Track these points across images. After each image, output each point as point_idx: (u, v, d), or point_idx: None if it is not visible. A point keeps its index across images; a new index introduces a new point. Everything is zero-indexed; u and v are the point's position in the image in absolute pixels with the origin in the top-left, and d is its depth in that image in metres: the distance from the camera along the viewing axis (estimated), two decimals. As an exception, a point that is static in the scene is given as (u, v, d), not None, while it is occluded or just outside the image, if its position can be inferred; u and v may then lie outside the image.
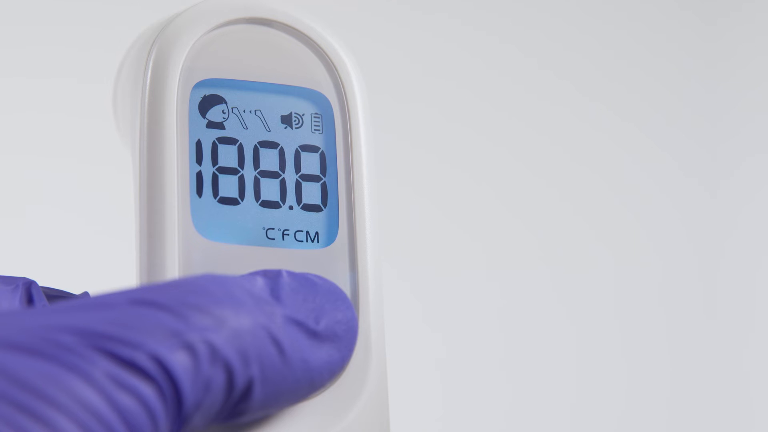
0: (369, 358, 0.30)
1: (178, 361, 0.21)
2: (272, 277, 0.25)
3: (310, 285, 0.26)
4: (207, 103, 0.30)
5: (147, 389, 0.21)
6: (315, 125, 0.31)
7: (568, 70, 1.11)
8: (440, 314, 1.06)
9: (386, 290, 0.31)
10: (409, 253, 1.04)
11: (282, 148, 0.31)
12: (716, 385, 1.13)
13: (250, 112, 0.30)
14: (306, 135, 0.31)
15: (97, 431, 0.20)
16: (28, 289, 0.30)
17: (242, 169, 0.30)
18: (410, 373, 1.00)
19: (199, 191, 0.29)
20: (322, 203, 0.31)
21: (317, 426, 0.28)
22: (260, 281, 0.25)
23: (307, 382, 0.24)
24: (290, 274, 0.25)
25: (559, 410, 1.09)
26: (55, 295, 0.32)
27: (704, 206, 1.14)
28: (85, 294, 0.33)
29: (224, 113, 0.30)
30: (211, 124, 0.30)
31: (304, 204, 0.30)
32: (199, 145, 0.30)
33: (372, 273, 0.30)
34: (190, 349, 0.22)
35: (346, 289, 0.30)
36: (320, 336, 0.25)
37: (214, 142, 0.30)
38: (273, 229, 0.30)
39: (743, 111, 1.12)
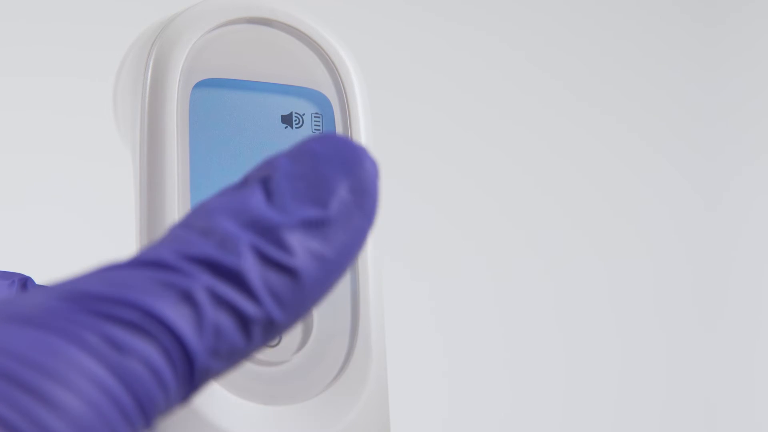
0: (369, 358, 0.30)
1: (178, 313, 0.20)
2: (268, 173, 0.23)
3: (311, 160, 0.23)
4: (207, 103, 0.30)
5: (147, 348, 0.20)
6: (315, 125, 0.31)
7: (566, 73, 1.11)
8: (442, 313, 1.06)
9: (387, 290, 0.31)
10: (409, 253, 1.04)
11: (282, 147, 0.30)
12: (717, 389, 1.13)
13: (251, 112, 0.30)
14: (306, 135, 0.31)
15: (99, 401, 0.19)
16: (24, 285, 0.30)
17: (242, 168, 0.30)
18: (411, 373, 1.00)
19: (199, 191, 0.29)
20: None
21: (317, 426, 0.28)
22: (255, 190, 0.22)
23: (336, 272, 0.22)
24: (287, 158, 0.23)
25: (558, 412, 1.09)
26: None
27: (703, 211, 1.14)
28: None
29: (225, 113, 0.30)
30: (212, 124, 0.30)
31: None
32: (199, 144, 0.30)
33: (372, 273, 0.30)
34: (188, 299, 0.20)
35: (346, 289, 0.30)
36: (335, 220, 0.22)
37: (214, 141, 0.30)
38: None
39: (743, 117, 1.12)
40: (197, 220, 0.22)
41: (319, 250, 0.22)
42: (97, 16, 0.94)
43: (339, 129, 0.31)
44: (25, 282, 0.30)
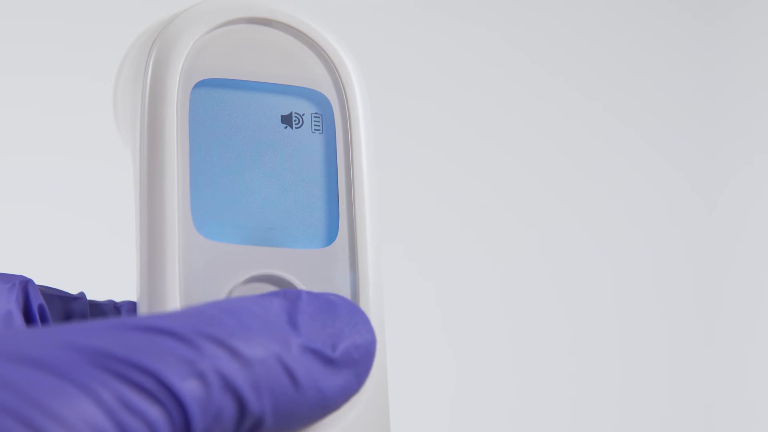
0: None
1: (189, 388, 0.21)
2: (291, 300, 0.25)
3: (330, 308, 0.25)
4: (207, 103, 0.30)
5: (155, 414, 0.21)
6: (315, 125, 0.31)
7: (566, 72, 1.11)
8: (447, 312, 1.06)
9: (392, 290, 0.31)
10: (409, 252, 1.04)
11: (282, 147, 0.30)
12: (717, 387, 1.13)
13: (251, 112, 0.30)
14: (306, 135, 0.31)
15: None
16: (24, 288, 0.30)
17: (242, 168, 0.30)
18: (416, 373, 1.00)
19: (200, 191, 0.29)
20: (322, 203, 0.31)
21: (317, 426, 0.28)
22: (278, 306, 0.24)
23: (321, 409, 0.24)
24: (310, 296, 0.25)
25: (562, 411, 1.09)
26: (52, 294, 0.32)
27: (703, 211, 1.14)
28: (82, 294, 0.33)
29: (225, 113, 0.30)
30: (212, 124, 0.30)
31: (304, 204, 0.30)
32: (199, 144, 0.30)
33: (372, 273, 0.30)
34: (201, 377, 0.21)
35: (346, 289, 0.30)
36: (337, 363, 0.24)
37: (214, 141, 0.30)
38: (273, 228, 0.30)
39: (744, 115, 1.12)
40: (223, 305, 0.23)
41: (319, 381, 0.23)
42: (98, 16, 0.94)
43: (339, 129, 0.31)
44: (25, 285, 0.30)
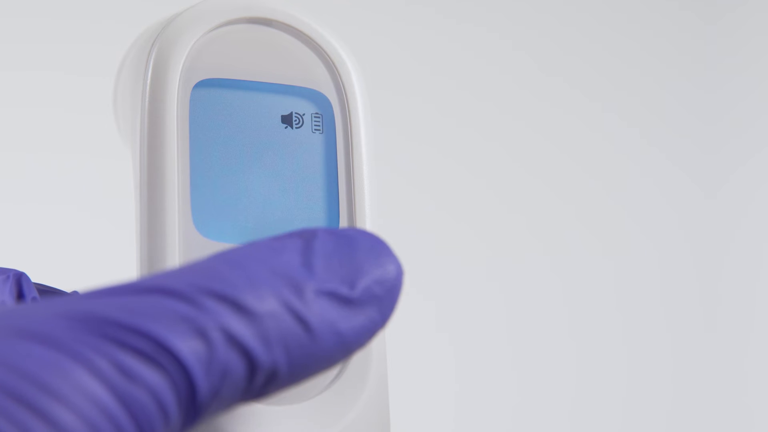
0: (369, 358, 0.30)
1: (190, 348, 0.20)
2: (307, 239, 0.23)
3: (348, 243, 0.24)
4: (207, 103, 0.30)
5: (157, 378, 0.20)
6: (315, 125, 0.31)
7: (567, 71, 1.11)
8: (447, 313, 1.06)
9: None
10: (409, 252, 1.04)
11: (282, 147, 0.30)
12: (715, 390, 1.13)
13: (251, 112, 0.30)
14: (306, 135, 0.31)
15: (101, 425, 0.19)
16: (18, 281, 0.30)
17: (242, 168, 0.30)
18: (415, 373, 1.00)
19: (200, 191, 0.29)
20: (322, 203, 0.31)
21: (317, 426, 0.28)
22: (291, 248, 0.23)
23: (342, 352, 0.23)
24: (327, 233, 0.24)
25: (562, 409, 1.09)
26: (46, 291, 0.32)
27: (703, 208, 1.14)
28: (75, 293, 0.32)
29: (225, 113, 0.30)
30: (212, 124, 0.30)
31: (304, 204, 0.30)
32: (199, 144, 0.30)
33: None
34: (203, 336, 0.20)
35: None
36: (356, 302, 0.23)
37: (214, 141, 0.30)
38: (273, 228, 0.30)
39: (743, 112, 1.12)
40: (227, 256, 0.22)
41: (336, 324, 0.22)
42: (98, 15, 0.94)
43: (339, 129, 0.31)
44: (19, 278, 0.30)
